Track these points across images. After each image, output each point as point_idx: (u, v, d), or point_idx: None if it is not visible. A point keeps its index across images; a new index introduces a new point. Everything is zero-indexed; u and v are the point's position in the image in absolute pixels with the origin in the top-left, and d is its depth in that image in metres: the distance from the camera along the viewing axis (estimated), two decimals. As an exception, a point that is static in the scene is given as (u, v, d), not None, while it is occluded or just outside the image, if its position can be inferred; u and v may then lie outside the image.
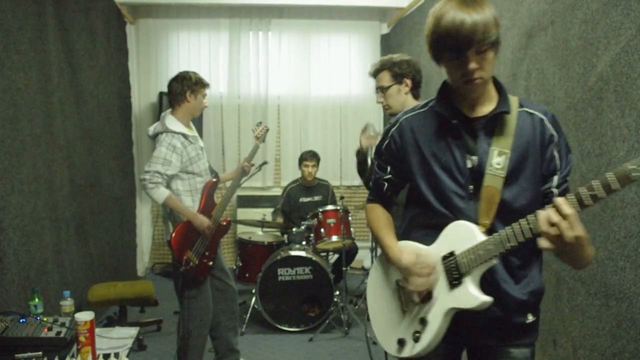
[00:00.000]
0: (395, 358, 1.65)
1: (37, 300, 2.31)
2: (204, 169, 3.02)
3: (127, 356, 2.02)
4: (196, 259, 2.90)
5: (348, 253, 4.44)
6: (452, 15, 1.34)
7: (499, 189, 1.43)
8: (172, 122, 2.92)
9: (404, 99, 2.39)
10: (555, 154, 1.46)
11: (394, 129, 1.61)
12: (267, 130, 3.41)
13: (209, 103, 3.14)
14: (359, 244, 4.90)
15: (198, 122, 4.82)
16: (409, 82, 2.37)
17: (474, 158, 1.46)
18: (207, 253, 2.96)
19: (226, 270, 3.21)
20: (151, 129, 2.99)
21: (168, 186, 2.88)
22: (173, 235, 2.88)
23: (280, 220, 4.79)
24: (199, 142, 3.03)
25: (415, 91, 2.42)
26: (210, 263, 2.99)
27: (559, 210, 1.21)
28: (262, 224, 4.40)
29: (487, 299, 1.40)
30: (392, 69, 2.38)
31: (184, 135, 2.90)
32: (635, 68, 1.98)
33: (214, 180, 3.08)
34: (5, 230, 2.62)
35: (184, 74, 3.00)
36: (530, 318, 1.50)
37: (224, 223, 3.10)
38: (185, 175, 2.93)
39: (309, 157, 4.80)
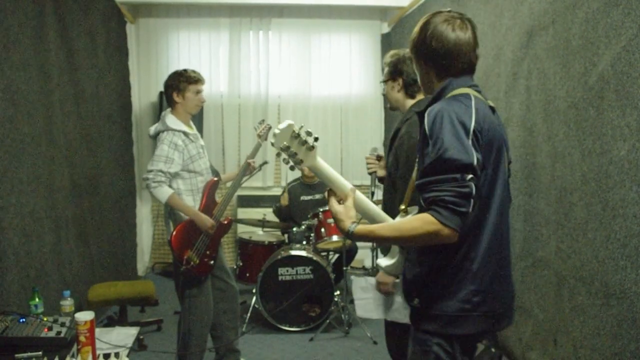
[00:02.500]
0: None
1: (37, 300, 2.31)
2: (204, 168, 3.02)
3: (127, 356, 2.02)
4: (197, 258, 2.90)
5: (348, 253, 4.43)
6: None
7: (414, 179, 1.67)
8: (172, 120, 2.93)
9: (396, 97, 2.38)
10: (427, 150, 1.49)
11: None
12: (270, 128, 3.36)
13: (209, 102, 3.13)
14: (359, 243, 4.90)
15: (198, 122, 4.80)
16: (400, 81, 2.36)
17: None
18: (208, 252, 2.96)
19: (227, 269, 3.20)
20: (152, 129, 3.00)
21: (169, 185, 2.88)
22: (174, 234, 2.87)
23: (285, 201, 4.74)
24: (199, 141, 3.03)
25: (408, 90, 2.36)
26: (212, 262, 2.99)
27: None
28: (262, 223, 4.39)
29: (380, 262, 1.77)
30: (393, 64, 2.38)
31: (185, 133, 2.91)
32: (636, 67, 1.97)
33: (215, 179, 3.08)
34: (5, 230, 2.62)
35: (170, 75, 3.00)
36: (416, 302, 1.58)
37: (225, 222, 3.09)
38: (187, 174, 2.93)
39: None
